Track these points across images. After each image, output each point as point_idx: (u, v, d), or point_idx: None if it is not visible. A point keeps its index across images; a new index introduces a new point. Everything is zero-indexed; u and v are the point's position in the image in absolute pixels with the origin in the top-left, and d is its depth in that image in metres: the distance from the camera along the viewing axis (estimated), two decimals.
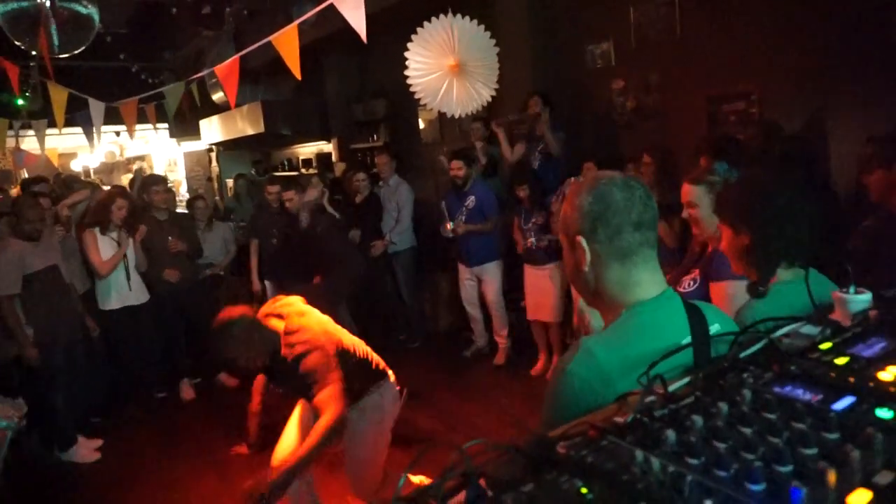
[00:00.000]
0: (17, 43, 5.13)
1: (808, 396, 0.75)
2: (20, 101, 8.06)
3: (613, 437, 0.69)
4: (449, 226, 4.98)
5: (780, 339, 1.07)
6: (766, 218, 1.54)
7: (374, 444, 2.82)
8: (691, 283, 2.20)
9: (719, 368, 0.91)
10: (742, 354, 1.00)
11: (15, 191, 8.62)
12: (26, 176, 10.84)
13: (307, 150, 9.50)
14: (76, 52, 5.27)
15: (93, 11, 5.18)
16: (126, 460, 4.15)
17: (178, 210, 7.02)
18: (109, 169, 13.38)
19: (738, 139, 3.56)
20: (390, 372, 2.93)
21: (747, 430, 0.67)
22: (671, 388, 0.92)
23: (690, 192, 2.28)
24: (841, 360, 0.84)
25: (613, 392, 1.04)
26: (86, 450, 4.15)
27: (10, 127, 6.64)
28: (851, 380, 0.77)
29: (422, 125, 7.21)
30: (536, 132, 4.89)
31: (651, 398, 0.86)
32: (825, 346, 0.91)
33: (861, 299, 1.11)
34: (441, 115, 4.52)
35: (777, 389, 0.78)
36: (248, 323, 2.57)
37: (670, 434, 0.65)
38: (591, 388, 1.06)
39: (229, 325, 2.54)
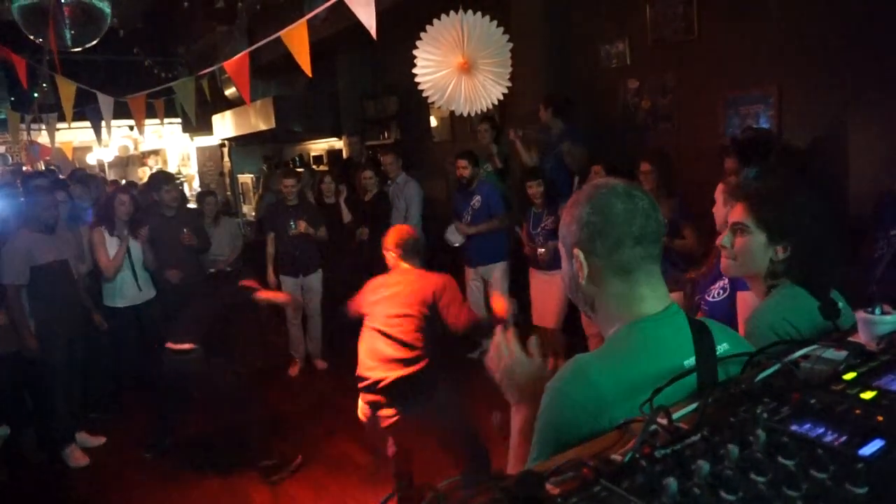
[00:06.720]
0: (30, 37, 5.14)
1: (830, 438, 0.66)
2: (36, 95, 8.09)
3: (608, 483, 0.61)
4: (454, 232, 4.93)
5: (796, 362, 0.98)
6: (816, 226, 1.44)
7: None
8: (720, 291, 2.04)
9: (729, 397, 0.82)
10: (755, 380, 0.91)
11: None
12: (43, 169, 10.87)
13: (318, 146, 9.48)
14: (88, 46, 5.26)
15: (105, 6, 5.15)
16: (127, 457, 4.11)
17: (190, 206, 7.00)
18: (124, 163, 13.45)
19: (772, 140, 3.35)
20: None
21: (761, 480, 0.58)
22: (675, 414, 0.83)
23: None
24: (867, 395, 0.75)
25: (608, 416, 0.98)
26: (78, 453, 4.05)
27: (22, 120, 6.66)
28: (880, 419, 0.69)
29: (433, 123, 7.13)
30: (552, 140, 4.76)
31: (653, 429, 0.78)
32: (849, 376, 0.82)
33: (889, 321, 1.02)
34: (453, 113, 4.43)
35: (795, 428, 0.69)
36: None
37: (671, 483, 0.57)
38: (584, 410, 0.99)
39: None
